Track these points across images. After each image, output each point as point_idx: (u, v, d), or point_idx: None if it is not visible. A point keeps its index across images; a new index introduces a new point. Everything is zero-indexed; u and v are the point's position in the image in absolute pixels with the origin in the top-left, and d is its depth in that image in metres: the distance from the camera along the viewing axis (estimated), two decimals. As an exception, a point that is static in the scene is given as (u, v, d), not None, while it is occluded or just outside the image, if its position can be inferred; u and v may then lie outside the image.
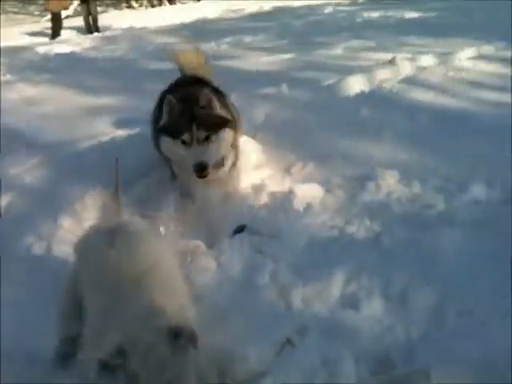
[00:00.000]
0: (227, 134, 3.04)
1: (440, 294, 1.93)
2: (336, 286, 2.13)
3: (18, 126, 5.62)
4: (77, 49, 11.99)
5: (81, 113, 5.96)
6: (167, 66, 8.61)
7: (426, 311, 1.91)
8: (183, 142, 2.94)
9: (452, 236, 2.23)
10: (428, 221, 2.62)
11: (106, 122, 5.50)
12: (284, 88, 5.68)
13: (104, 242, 1.74)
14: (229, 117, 3.11)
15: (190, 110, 2.95)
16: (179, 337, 1.39)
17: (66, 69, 9.12)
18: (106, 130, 5.16)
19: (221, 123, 2.98)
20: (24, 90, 7.53)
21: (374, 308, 1.97)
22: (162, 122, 3.08)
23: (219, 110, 3.00)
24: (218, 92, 3.37)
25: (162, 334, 1.39)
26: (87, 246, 1.90)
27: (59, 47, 12.44)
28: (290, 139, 4.31)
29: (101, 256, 1.70)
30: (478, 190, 3.08)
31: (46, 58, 11.01)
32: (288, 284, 2.21)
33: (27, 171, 4.29)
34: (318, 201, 3.27)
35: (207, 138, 2.91)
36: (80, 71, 8.72)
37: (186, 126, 2.91)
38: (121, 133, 4.98)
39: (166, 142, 3.05)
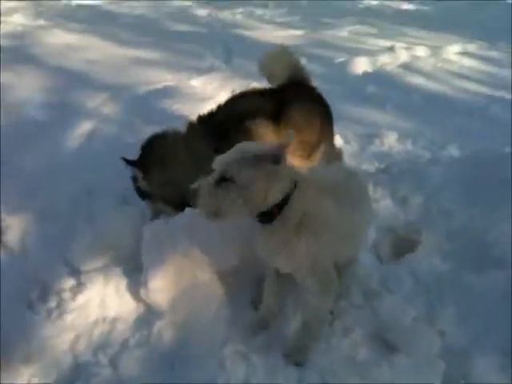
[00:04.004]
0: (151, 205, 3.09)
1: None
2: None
3: (71, 68, 6.58)
4: (98, 2, 12.69)
5: (127, 63, 6.96)
6: (188, 28, 9.75)
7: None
8: None
9: (438, 169, 3.45)
10: (420, 163, 3.85)
11: (152, 72, 6.53)
12: (303, 61, 6.79)
13: None
14: None
15: None
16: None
17: (95, 20, 9.93)
18: (157, 79, 6.20)
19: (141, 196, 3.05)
20: (62, 37, 8.39)
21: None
22: None
23: None
24: None
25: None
26: None
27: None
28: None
29: None
30: (453, 150, 4.33)
31: (71, 7, 11.75)
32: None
33: (101, 105, 5.35)
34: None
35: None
36: (110, 25, 9.56)
37: None
38: (170, 83, 6.04)
39: None
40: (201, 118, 3.04)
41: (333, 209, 1.99)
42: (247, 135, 2.92)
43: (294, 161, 2.89)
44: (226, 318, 2.31)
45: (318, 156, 3.14)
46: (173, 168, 2.89)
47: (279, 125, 2.99)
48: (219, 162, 1.90)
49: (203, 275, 2.39)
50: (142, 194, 2.94)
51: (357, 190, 2.19)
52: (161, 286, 2.34)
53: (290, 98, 3.09)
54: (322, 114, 3.20)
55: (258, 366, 2.09)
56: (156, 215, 2.94)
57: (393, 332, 2.20)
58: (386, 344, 2.18)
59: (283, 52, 3.34)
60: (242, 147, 1.92)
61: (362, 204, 2.20)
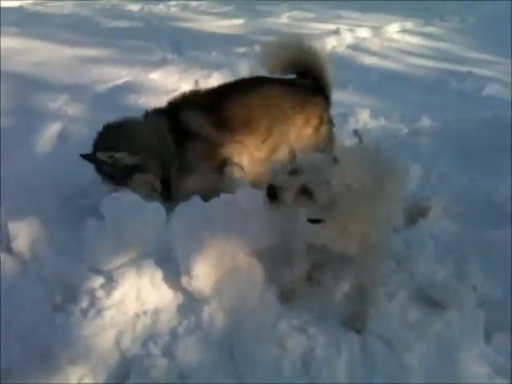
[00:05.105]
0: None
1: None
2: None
3: (20, 72, 6.32)
4: (22, 4, 12.18)
5: (77, 62, 6.77)
6: (126, 24, 9.57)
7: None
8: None
9: (425, 140, 3.64)
10: (401, 136, 4.02)
11: (106, 70, 6.39)
12: (257, 48, 6.85)
13: None
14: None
15: None
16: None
17: (28, 23, 9.53)
18: (113, 76, 6.08)
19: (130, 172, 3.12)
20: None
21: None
22: None
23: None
24: None
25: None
26: None
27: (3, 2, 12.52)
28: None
29: None
30: (426, 123, 4.54)
31: (-4, 11, 11.19)
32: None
33: (65, 106, 5.20)
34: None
35: None
36: (44, 26, 9.21)
37: None
38: (129, 79, 5.95)
39: None
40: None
41: (374, 190, 2.06)
42: None
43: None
44: (272, 295, 2.34)
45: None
46: (142, 137, 3.15)
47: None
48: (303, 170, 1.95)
49: (242, 257, 2.42)
50: (129, 171, 3.05)
51: (387, 165, 2.27)
52: (203, 273, 2.34)
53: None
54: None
55: (317, 338, 2.14)
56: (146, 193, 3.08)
57: (433, 291, 2.31)
58: (430, 303, 2.29)
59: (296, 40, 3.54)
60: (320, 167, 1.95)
61: (394, 177, 2.29)
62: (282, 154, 3.31)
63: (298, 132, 3.34)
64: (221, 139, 3.17)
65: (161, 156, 3.14)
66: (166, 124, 3.17)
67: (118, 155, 3.01)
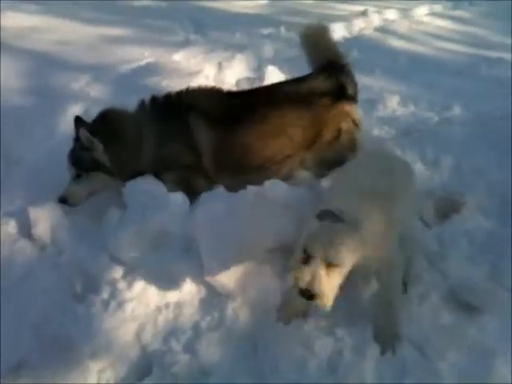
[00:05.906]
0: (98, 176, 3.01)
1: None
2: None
3: (42, 51, 6.23)
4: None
5: (99, 41, 6.65)
6: (149, 3, 9.41)
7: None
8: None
9: (458, 129, 3.51)
10: (431, 124, 3.89)
11: (129, 50, 6.29)
12: (282, 30, 6.71)
13: None
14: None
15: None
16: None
17: (48, 0, 9.39)
18: (136, 57, 5.97)
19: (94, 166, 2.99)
20: (21, 19, 7.88)
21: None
22: None
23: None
24: None
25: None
26: None
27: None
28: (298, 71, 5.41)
29: None
30: (457, 110, 4.37)
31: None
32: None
33: (87, 87, 5.13)
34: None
35: (78, 176, 3.03)
36: (65, 4, 8.99)
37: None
38: (152, 59, 5.85)
39: None
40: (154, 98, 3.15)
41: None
42: None
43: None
44: (299, 293, 2.26)
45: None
46: (126, 142, 3.05)
47: None
48: None
49: (267, 252, 2.34)
50: (94, 165, 2.98)
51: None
52: (227, 268, 2.27)
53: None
54: None
55: (345, 340, 2.06)
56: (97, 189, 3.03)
57: (467, 293, 2.21)
58: (463, 305, 2.19)
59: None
60: None
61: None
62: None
63: (310, 151, 3.14)
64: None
65: (134, 158, 3.04)
66: (155, 124, 3.07)
67: (97, 145, 2.96)
